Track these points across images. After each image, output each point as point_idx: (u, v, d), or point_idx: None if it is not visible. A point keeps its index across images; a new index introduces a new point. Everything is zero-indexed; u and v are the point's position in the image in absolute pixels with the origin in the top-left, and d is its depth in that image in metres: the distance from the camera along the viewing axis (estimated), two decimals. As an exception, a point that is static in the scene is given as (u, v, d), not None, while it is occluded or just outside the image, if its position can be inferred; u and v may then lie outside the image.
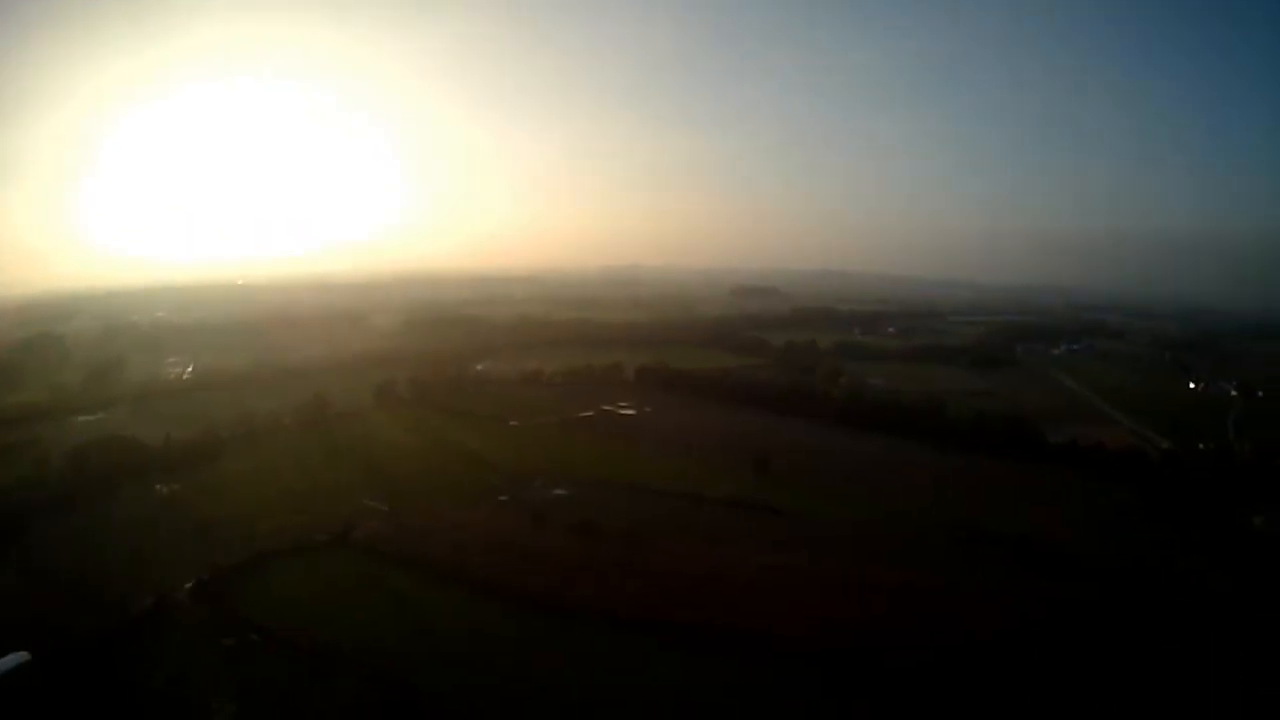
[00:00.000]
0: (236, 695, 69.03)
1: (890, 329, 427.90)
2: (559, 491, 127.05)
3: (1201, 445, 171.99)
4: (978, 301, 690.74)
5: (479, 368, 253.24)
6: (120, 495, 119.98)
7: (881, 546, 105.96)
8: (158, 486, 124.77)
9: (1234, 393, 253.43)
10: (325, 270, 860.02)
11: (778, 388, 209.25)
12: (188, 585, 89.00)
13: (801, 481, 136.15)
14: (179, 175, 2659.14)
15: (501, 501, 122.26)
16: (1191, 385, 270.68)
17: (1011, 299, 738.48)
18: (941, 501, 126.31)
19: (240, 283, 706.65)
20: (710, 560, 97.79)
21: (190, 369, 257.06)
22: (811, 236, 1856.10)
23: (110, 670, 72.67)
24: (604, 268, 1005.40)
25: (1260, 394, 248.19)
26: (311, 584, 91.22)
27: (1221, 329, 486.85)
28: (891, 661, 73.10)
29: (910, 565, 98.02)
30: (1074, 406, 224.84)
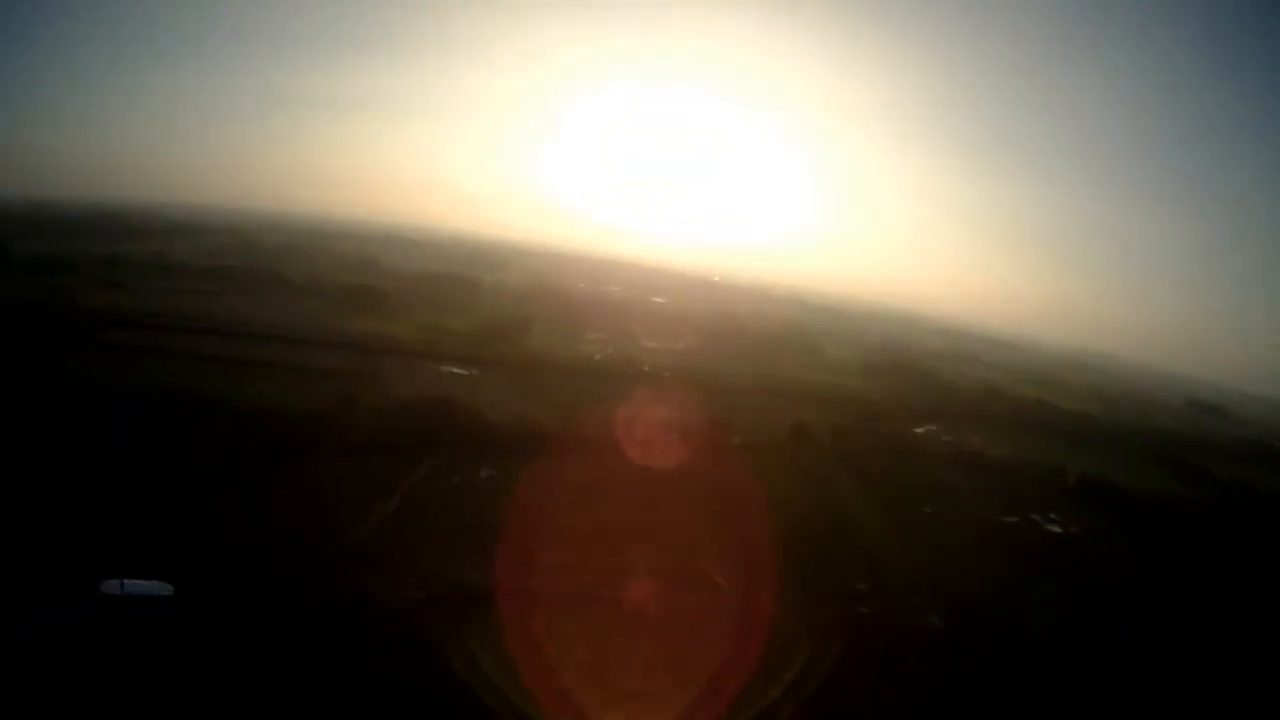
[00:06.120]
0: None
1: None
2: (934, 621, 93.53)
3: None
4: None
5: (918, 431, 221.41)
6: (417, 465, 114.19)
7: None
8: (481, 471, 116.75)
9: None
10: (805, 285, 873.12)
11: (1211, 538, 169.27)
12: (416, 597, 75.11)
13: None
14: (661, 153, 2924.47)
15: (859, 616, 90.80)
16: None
17: None
18: None
19: (715, 279, 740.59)
20: None
21: (605, 352, 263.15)
22: (1265, 354, 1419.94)
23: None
24: (1079, 349, 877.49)
25: None
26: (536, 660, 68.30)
27: None
28: None
29: None
30: None
